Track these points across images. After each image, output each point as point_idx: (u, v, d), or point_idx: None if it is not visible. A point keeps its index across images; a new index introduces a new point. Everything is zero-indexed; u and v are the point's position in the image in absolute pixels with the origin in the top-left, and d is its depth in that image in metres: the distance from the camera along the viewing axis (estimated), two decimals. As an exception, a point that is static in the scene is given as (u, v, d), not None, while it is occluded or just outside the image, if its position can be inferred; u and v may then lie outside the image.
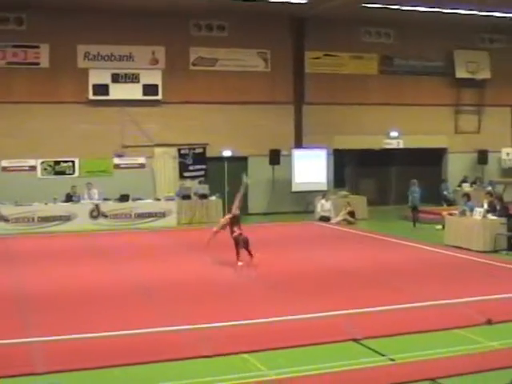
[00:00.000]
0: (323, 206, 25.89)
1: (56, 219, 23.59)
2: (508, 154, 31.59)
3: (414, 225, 24.29)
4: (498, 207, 19.02)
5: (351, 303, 11.39)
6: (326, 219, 25.37)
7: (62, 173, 26.04)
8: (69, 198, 24.24)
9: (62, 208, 23.86)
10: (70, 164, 26.18)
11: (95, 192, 24.63)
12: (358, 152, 30.43)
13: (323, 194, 26.52)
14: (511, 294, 11.75)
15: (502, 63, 31.02)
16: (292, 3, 25.55)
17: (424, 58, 30.55)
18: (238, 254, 15.97)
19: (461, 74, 30.80)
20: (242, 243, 15.96)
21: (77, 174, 26.19)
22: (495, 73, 31.05)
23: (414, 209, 24.77)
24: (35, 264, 16.77)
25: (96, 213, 24.06)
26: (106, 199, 24.52)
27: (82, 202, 24.21)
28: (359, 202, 26.92)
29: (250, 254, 16.08)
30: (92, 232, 22.92)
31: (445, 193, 28.93)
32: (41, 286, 14.02)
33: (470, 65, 30.89)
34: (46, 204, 23.81)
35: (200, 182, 26.52)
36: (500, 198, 20.18)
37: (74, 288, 13.75)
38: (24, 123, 25.43)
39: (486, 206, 19.30)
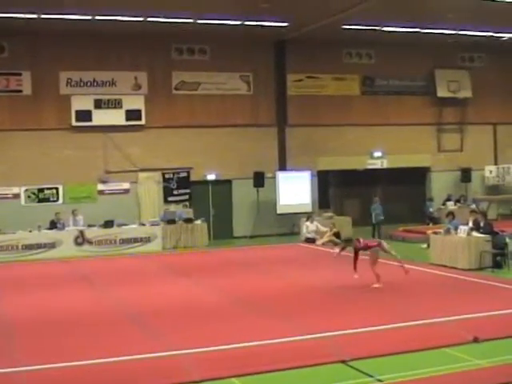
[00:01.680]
0: (308, 227, 25.88)
1: (40, 247, 23.46)
2: (491, 171, 31.75)
3: None
4: (481, 224, 19.10)
5: (338, 324, 11.35)
6: (311, 241, 25.34)
7: (46, 200, 25.93)
8: (53, 225, 24.12)
9: (47, 235, 23.74)
10: (54, 191, 26.08)
11: (81, 218, 24.57)
12: (342, 173, 30.56)
13: (308, 215, 26.52)
14: (498, 311, 11.79)
15: (482, 82, 31.37)
16: (273, 26, 25.73)
17: (405, 77, 30.83)
18: (355, 264, 15.78)
19: (442, 93, 31.05)
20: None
21: (61, 200, 26.08)
22: (476, 91, 31.33)
23: (377, 225, 25.26)
24: (20, 291, 16.61)
25: (81, 239, 23.93)
26: (90, 225, 24.40)
27: (66, 228, 24.10)
28: (344, 223, 26.95)
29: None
30: (77, 259, 22.80)
31: (430, 210, 29.04)
32: (26, 314, 13.86)
33: (451, 84, 31.14)
34: (30, 231, 23.70)
35: (184, 206, 26.48)
36: (483, 215, 20.28)
37: (59, 315, 13.62)
38: (7, 151, 25.40)
39: (471, 223, 19.38)
